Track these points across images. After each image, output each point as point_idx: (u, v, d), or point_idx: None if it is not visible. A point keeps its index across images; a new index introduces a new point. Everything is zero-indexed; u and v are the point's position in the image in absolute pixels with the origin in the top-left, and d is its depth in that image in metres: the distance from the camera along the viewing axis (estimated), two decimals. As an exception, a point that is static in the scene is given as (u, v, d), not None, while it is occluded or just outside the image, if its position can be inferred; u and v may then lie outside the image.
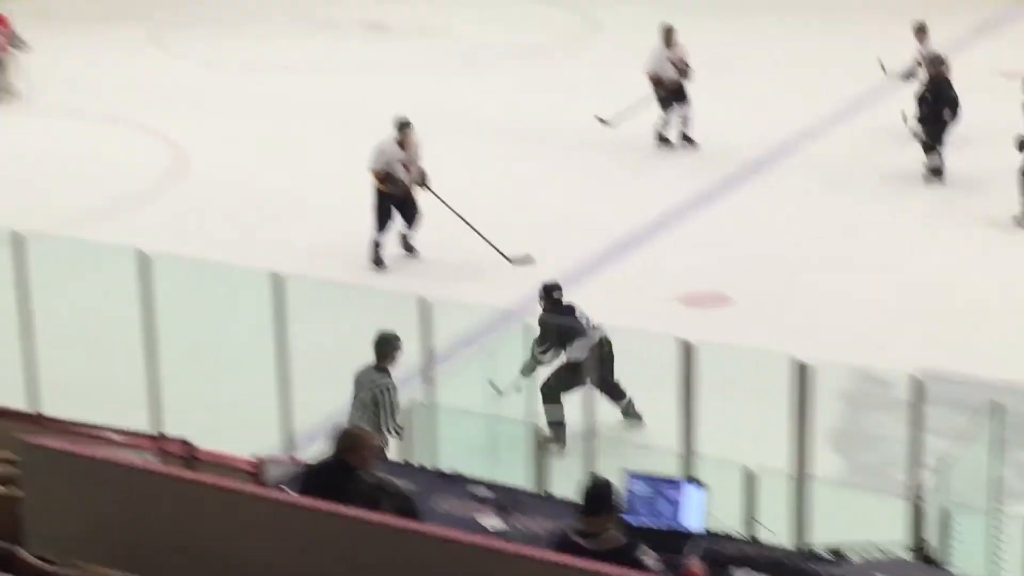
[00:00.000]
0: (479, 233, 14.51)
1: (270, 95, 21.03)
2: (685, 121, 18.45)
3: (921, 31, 18.83)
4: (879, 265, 14.36)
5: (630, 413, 11.22)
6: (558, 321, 11.05)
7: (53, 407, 9.50)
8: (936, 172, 16.69)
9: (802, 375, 7.64)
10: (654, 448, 9.64)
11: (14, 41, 21.44)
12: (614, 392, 11.10)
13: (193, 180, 17.54)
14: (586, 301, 11.67)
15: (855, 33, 23.15)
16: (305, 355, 9.71)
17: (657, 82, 18.37)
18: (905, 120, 17.08)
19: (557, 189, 16.94)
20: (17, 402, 9.67)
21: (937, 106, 16.70)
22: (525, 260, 14.38)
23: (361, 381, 9.94)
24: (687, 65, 18.36)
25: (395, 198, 14.75)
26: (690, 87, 18.33)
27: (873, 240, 15.05)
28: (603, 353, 10.82)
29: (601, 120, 18.65)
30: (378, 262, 14.71)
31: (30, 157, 18.62)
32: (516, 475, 8.37)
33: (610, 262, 14.59)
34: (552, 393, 10.89)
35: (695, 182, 16.87)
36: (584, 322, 11.11)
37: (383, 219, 14.77)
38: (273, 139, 18.95)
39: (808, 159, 17.81)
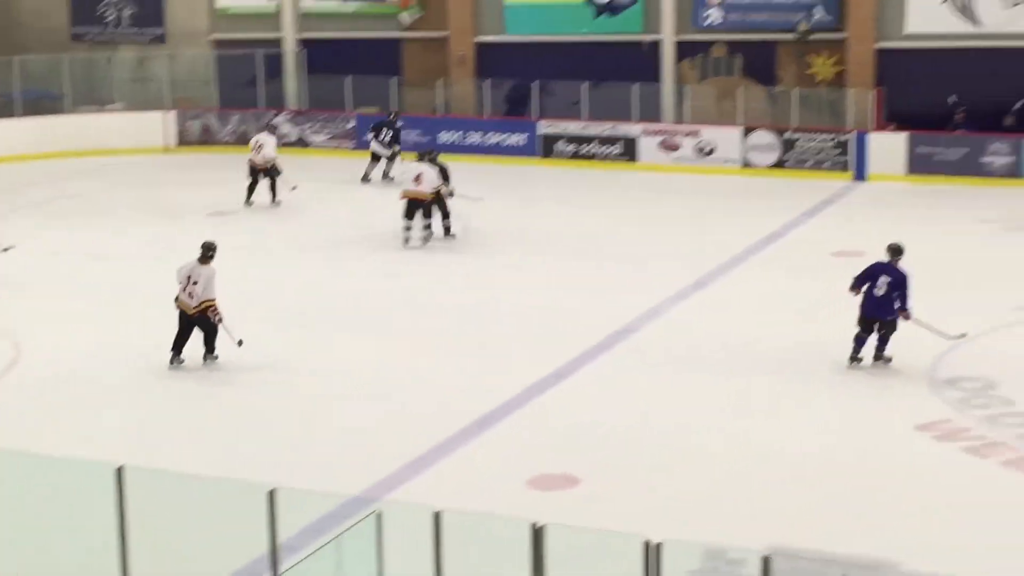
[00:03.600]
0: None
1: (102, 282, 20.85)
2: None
3: None
4: (729, 435, 14.41)
5: None
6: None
7: None
8: None
9: (650, 555, 7.59)
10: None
11: None
12: None
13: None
14: (434, 484, 11.36)
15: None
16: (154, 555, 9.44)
17: None
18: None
19: (404, 365, 16.86)
20: None
21: None
22: None
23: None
24: None
25: None
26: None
27: (725, 411, 15.15)
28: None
29: None
30: None
31: None
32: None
33: (461, 443, 14.45)
34: None
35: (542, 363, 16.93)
36: None
37: None
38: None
39: (649, 333, 18.05)
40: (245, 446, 14.26)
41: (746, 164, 31.63)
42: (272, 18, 37.54)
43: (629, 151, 32.68)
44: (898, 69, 32.00)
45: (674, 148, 32.17)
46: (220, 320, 16.76)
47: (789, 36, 33.00)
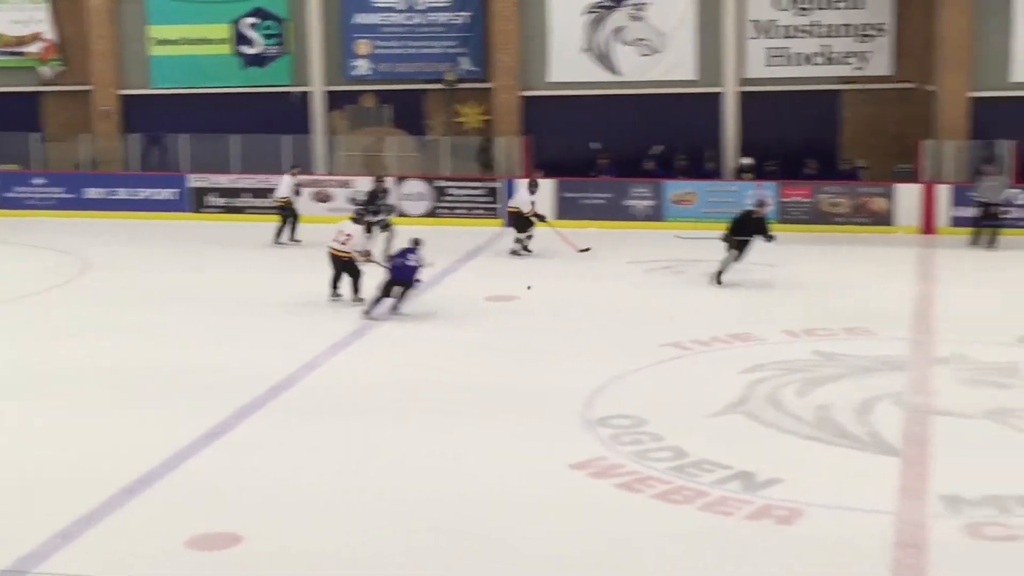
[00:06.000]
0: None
1: None
2: None
3: None
4: (383, 485, 14.40)
5: None
6: None
7: None
8: None
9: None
10: None
11: None
12: None
13: None
14: (86, 553, 10.93)
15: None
16: None
17: None
18: None
19: (43, 430, 16.22)
20: None
21: None
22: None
23: None
24: None
25: None
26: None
27: (379, 458, 15.14)
28: None
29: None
30: None
31: None
32: None
33: (113, 509, 13.95)
34: None
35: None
36: None
37: None
38: None
39: (305, 385, 17.94)
40: None
41: (399, 213, 31.88)
42: (-100, 72, 35.91)
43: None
44: (543, 117, 32.91)
45: (326, 199, 32.16)
46: (370, 260, 22.04)
47: (437, 86, 33.51)
